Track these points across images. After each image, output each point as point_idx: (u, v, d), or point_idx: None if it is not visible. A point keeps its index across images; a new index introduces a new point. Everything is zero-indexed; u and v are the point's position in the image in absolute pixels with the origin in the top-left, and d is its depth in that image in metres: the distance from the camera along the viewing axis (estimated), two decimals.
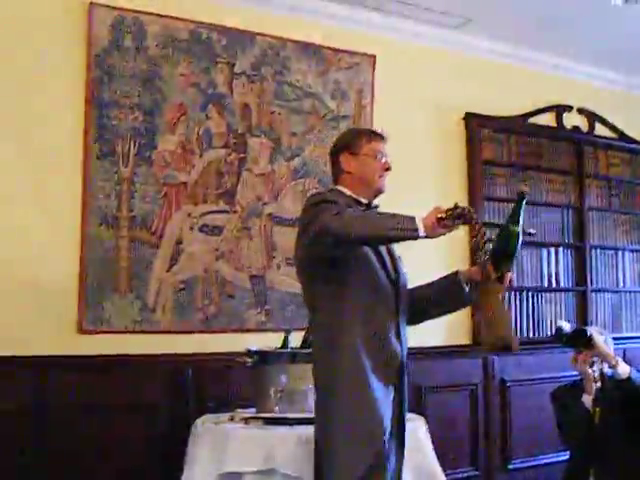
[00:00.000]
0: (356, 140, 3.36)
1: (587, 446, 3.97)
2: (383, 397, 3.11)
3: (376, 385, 3.08)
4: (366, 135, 3.40)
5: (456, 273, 3.33)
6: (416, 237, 2.90)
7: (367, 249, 3.15)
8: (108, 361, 4.47)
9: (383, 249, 3.24)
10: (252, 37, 5.11)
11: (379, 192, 3.35)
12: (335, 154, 3.39)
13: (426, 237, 2.92)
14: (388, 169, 3.33)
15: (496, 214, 6.09)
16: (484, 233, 2.96)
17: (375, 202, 3.36)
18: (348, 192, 3.30)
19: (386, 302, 3.19)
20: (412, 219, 2.90)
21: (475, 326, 5.81)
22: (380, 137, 3.40)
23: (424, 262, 4.67)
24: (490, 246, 3.00)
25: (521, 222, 3.07)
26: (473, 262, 5.56)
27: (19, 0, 4.46)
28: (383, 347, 3.15)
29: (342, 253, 3.07)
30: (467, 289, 3.30)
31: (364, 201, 3.31)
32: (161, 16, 4.80)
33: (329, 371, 3.09)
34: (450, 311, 3.51)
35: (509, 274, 3.15)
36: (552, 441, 4.85)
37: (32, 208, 4.38)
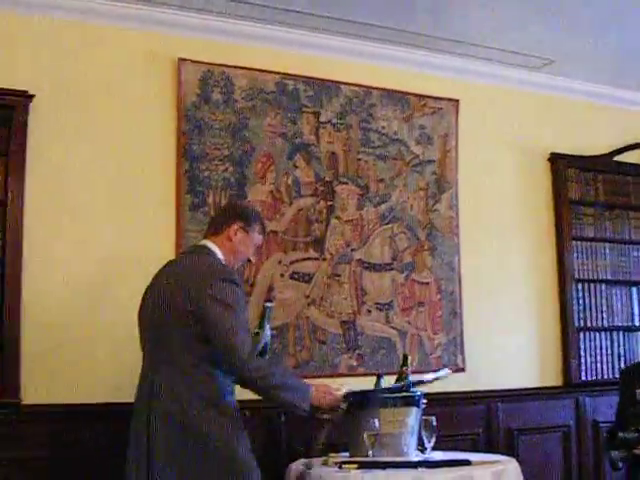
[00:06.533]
0: (254, 223, 3.73)
1: None
2: None
3: None
4: (261, 225, 3.80)
5: None
6: None
7: None
8: None
9: None
10: (337, 86, 5.21)
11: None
12: (231, 217, 3.70)
13: None
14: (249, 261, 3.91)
15: (584, 254, 6.03)
16: None
17: None
18: (219, 254, 3.61)
19: None
20: None
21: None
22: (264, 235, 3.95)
23: None
24: None
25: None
26: None
27: (111, 59, 4.63)
28: None
29: None
30: None
31: None
32: (248, 69, 4.94)
33: None
34: None
35: None
36: None
37: (143, 260, 4.28)
